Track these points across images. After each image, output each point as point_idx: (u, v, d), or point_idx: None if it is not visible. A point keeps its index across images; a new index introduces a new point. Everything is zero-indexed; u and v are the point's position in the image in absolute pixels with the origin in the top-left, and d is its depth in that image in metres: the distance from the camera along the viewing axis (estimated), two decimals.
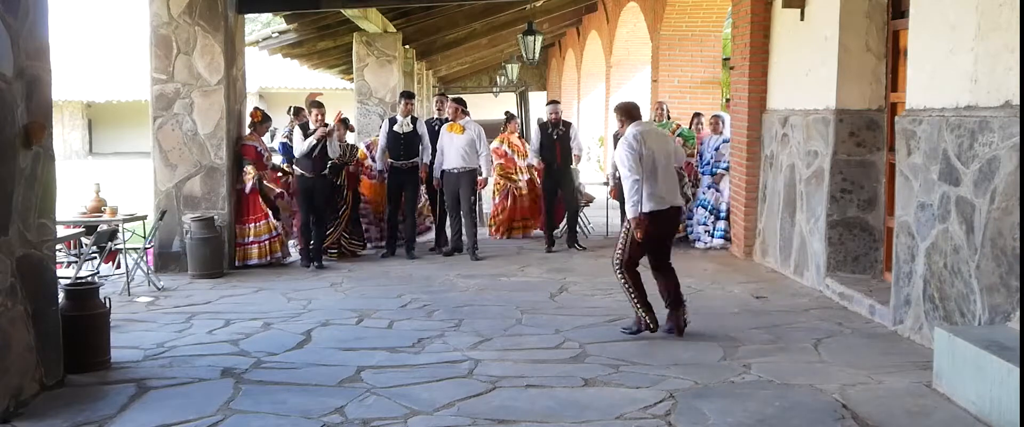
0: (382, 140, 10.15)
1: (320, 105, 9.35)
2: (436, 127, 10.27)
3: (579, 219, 11.91)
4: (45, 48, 5.17)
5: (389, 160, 10.07)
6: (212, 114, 9.12)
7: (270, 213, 9.48)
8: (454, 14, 15.96)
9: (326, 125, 9.27)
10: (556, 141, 10.31)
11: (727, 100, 11.71)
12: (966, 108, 5.42)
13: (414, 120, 10.11)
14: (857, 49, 7.49)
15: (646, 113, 11.23)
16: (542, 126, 10.60)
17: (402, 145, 9.98)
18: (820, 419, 4.53)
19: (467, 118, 10.06)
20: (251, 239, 9.36)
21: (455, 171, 9.85)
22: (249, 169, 9.33)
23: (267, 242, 9.42)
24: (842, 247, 7.63)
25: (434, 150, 10.08)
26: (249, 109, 10.02)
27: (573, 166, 10.74)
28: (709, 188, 10.31)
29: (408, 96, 10.34)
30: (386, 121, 10.31)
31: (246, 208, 9.40)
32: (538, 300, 7.55)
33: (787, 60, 8.81)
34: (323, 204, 9.45)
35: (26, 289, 4.84)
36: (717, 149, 10.23)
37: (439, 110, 10.55)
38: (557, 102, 11.17)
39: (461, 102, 10.30)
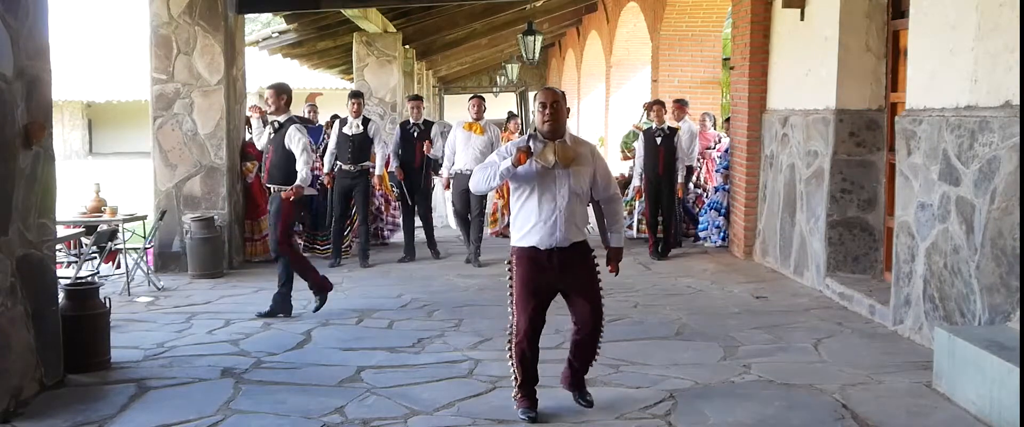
0: (332, 143, 9.53)
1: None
2: (412, 132, 9.69)
3: None
4: (45, 48, 5.17)
5: (338, 163, 9.44)
6: (212, 114, 9.13)
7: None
8: (454, 14, 15.96)
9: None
10: None
11: (672, 100, 11.61)
12: (966, 108, 5.42)
13: (366, 121, 9.46)
14: (857, 49, 7.48)
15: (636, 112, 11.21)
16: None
17: (352, 148, 9.32)
18: (820, 419, 4.53)
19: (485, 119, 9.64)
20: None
21: (469, 173, 8.87)
22: (248, 165, 9.49)
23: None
24: (842, 247, 7.63)
25: (404, 158, 9.58)
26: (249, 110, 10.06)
27: None
28: (718, 189, 10.29)
29: (356, 95, 9.67)
30: (336, 122, 9.71)
31: (254, 204, 9.55)
32: None
33: (787, 60, 8.81)
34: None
35: (26, 289, 4.84)
36: (726, 150, 10.24)
37: (415, 116, 9.84)
38: None
39: (482, 99, 9.70)
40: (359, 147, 9.35)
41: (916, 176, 6.02)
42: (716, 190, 10.38)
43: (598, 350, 4.84)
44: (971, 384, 4.58)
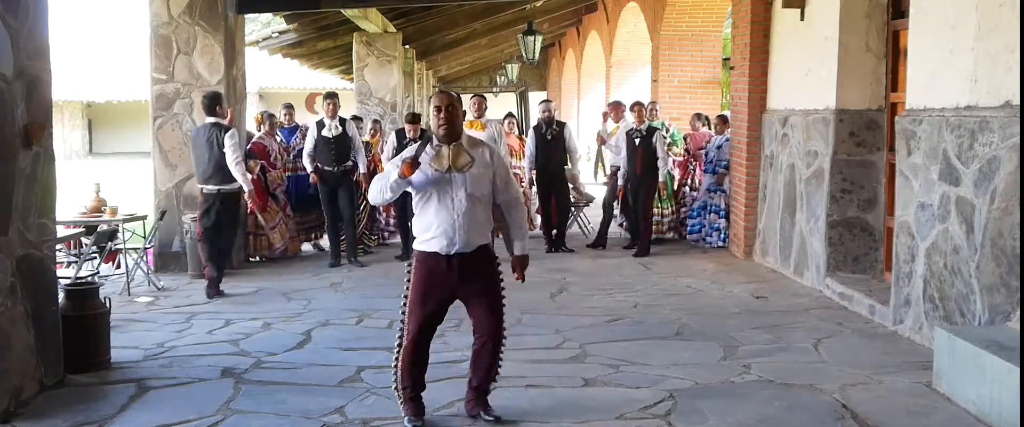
0: (309, 144, 9.41)
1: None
2: (407, 145, 9.12)
3: (579, 220, 11.92)
4: (45, 48, 5.17)
5: (318, 165, 9.35)
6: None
7: (271, 200, 9.78)
8: (454, 14, 15.97)
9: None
10: (549, 142, 10.13)
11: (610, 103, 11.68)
12: (966, 108, 5.42)
13: (343, 122, 9.37)
14: (857, 49, 7.48)
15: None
16: (536, 128, 10.37)
17: (333, 150, 9.25)
18: (820, 419, 4.53)
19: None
20: (270, 225, 9.66)
21: None
22: (251, 163, 9.57)
23: (281, 224, 9.82)
24: (842, 247, 7.63)
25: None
26: (250, 110, 10.10)
27: (568, 167, 10.59)
28: (714, 191, 10.29)
29: (331, 96, 9.47)
30: (313, 124, 9.57)
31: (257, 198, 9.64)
32: (538, 300, 7.54)
33: (787, 60, 8.81)
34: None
35: (26, 289, 4.84)
36: (719, 148, 10.24)
37: (413, 133, 9.37)
38: (549, 100, 11.02)
39: (483, 98, 9.87)
40: (339, 148, 9.32)
41: (916, 176, 6.02)
42: (710, 191, 10.35)
43: (499, 365, 4.68)
44: (971, 384, 4.58)
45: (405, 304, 4.54)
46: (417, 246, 4.51)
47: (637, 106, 10.10)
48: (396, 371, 4.57)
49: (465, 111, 9.53)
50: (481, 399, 4.62)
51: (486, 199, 4.50)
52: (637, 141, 9.88)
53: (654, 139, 9.85)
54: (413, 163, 4.32)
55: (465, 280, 4.46)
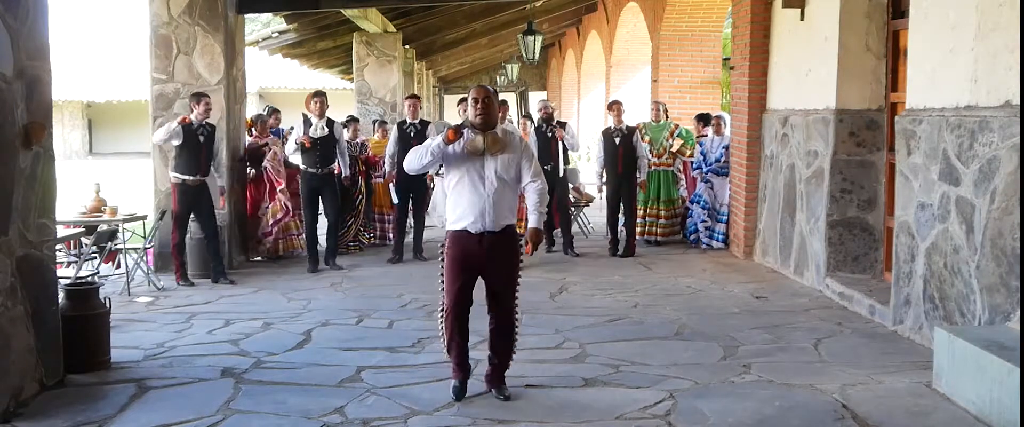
0: (290, 146, 9.33)
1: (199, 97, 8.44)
2: (409, 132, 9.40)
3: (579, 220, 11.92)
4: (45, 48, 5.17)
5: (303, 166, 9.22)
6: (212, 114, 9.10)
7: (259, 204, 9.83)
8: (454, 14, 15.96)
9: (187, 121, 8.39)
10: (550, 140, 10.06)
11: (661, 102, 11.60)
12: (966, 108, 5.42)
13: (330, 123, 9.15)
14: (857, 49, 7.49)
15: (643, 113, 11.27)
16: (536, 128, 10.29)
17: (317, 150, 9.03)
18: (820, 419, 4.53)
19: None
20: (265, 231, 9.81)
21: None
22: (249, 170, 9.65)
23: (272, 227, 9.84)
24: (842, 247, 7.63)
25: (401, 159, 9.29)
26: (249, 111, 10.13)
27: (570, 166, 10.57)
28: (703, 183, 10.31)
29: (319, 95, 9.21)
30: (300, 123, 9.31)
31: (250, 200, 9.68)
32: (538, 300, 7.54)
33: (787, 60, 8.81)
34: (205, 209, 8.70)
35: (26, 289, 4.85)
36: (726, 148, 10.23)
37: (412, 115, 9.63)
38: (547, 100, 11.02)
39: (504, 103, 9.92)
40: (325, 149, 9.10)
41: (916, 176, 6.02)
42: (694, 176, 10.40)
43: (515, 344, 5.07)
44: (971, 384, 4.58)
45: (442, 281, 4.97)
46: (450, 226, 4.93)
47: (615, 105, 10.10)
48: (444, 341, 5.03)
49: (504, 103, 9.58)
50: (497, 376, 5.01)
51: (514, 183, 4.93)
52: (617, 140, 9.87)
53: (634, 139, 9.87)
54: (458, 130, 4.81)
55: (492, 258, 4.86)
